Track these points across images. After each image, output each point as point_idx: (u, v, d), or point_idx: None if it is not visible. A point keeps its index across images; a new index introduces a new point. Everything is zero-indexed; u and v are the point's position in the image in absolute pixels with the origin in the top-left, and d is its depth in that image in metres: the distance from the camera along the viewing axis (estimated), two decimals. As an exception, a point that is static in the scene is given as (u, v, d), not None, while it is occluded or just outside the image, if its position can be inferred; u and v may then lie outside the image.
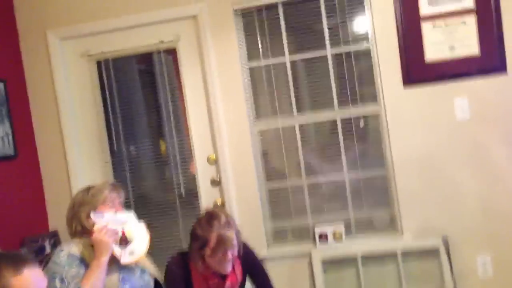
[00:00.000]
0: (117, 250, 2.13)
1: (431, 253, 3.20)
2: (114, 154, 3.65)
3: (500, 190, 3.15)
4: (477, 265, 3.18)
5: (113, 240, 2.10)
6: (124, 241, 2.17)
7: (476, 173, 3.17)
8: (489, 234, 3.17)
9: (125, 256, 2.15)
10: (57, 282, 2.00)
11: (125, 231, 2.17)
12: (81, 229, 2.15)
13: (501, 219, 3.15)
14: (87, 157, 3.63)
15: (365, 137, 3.41)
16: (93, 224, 2.10)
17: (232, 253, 2.28)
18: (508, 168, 3.14)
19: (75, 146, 3.58)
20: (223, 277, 2.35)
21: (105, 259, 2.07)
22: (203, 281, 2.34)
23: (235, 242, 2.30)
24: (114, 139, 3.62)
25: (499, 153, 3.14)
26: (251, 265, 2.52)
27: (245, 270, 2.50)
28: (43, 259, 2.93)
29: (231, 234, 2.28)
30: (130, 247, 2.17)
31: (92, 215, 2.13)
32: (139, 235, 2.21)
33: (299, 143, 3.43)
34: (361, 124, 3.38)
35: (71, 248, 2.10)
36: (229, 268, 2.31)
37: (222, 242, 2.25)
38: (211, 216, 2.33)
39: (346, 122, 3.37)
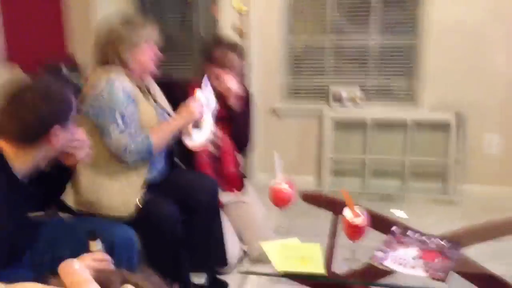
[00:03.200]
0: (189, 128, 2.10)
1: (442, 126, 3.22)
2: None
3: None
4: (484, 142, 3.22)
5: (198, 117, 2.08)
6: (196, 124, 2.12)
7: (510, 52, 3.05)
8: (502, 114, 3.16)
9: (189, 138, 2.12)
10: (118, 118, 1.89)
11: (203, 116, 2.13)
12: (118, 62, 1.97)
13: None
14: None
15: (401, 1, 3.21)
16: (136, 60, 1.98)
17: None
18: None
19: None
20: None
21: (182, 125, 2.04)
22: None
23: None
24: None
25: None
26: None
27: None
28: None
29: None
30: (196, 133, 2.13)
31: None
32: (207, 128, 2.17)
33: (329, -2, 3.27)
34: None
35: (123, 83, 1.93)
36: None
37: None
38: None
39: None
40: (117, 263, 1.50)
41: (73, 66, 3.45)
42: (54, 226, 1.77)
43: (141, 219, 1.91)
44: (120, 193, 1.95)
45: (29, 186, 1.56)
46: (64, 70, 3.27)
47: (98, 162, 1.94)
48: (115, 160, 1.94)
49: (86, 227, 1.71)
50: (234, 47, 2.35)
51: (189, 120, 2.06)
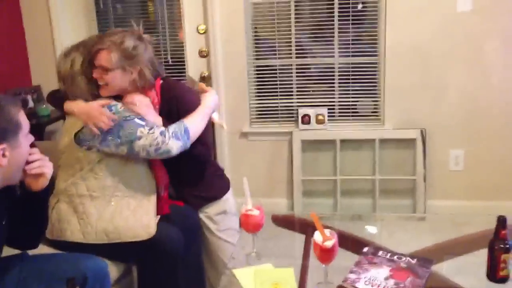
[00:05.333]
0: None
1: (407, 144, 3.29)
2: (100, 12, 3.50)
3: (484, 87, 3.16)
4: (450, 158, 3.30)
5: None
6: None
7: (464, 68, 3.16)
8: (465, 130, 3.25)
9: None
10: (139, 120, 1.90)
11: None
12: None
13: (479, 116, 3.21)
14: (71, 13, 3.48)
15: (361, 22, 3.30)
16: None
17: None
18: (496, 66, 3.12)
19: (59, 1, 3.40)
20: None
21: (211, 109, 2.07)
22: None
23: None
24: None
25: (492, 50, 3.10)
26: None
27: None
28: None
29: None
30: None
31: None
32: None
33: (293, 21, 3.32)
34: (359, 6, 3.26)
35: (113, 101, 1.96)
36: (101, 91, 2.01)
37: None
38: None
39: (344, 2, 3.24)
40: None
41: (39, 97, 3.41)
42: (24, 264, 1.71)
43: (150, 242, 1.91)
44: (136, 218, 1.94)
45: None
46: (30, 101, 3.23)
47: (105, 191, 1.94)
48: (136, 173, 1.98)
49: (57, 266, 1.69)
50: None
51: (215, 104, 2.10)
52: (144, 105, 1.99)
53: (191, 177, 2.21)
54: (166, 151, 1.89)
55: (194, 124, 1.97)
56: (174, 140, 1.89)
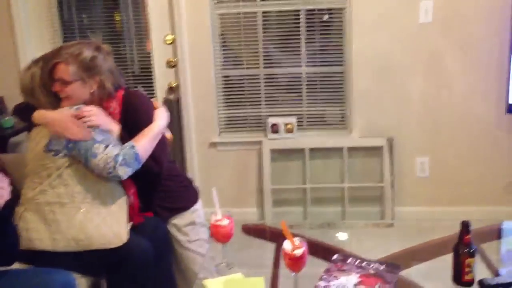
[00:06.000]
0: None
1: (375, 152, 3.35)
2: (64, 22, 3.44)
3: (446, 97, 3.25)
4: (416, 165, 3.37)
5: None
6: None
7: (427, 78, 3.24)
8: (430, 138, 3.33)
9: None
10: (98, 136, 1.89)
11: None
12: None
13: (442, 124, 3.29)
14: (34, 24, 3.41)
15: (327, 32, 3.36)
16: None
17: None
18: (457, 76, 3.22)
19: (22, 11, 3.33)
20: None
21: (161, 126, 2.06)
22: None
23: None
24: (65, 6, 3.41)
25: (452, 60, 3.20)
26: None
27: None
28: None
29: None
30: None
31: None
32: None
33: (260, 31, 3.35)
34: (325, 17, 3.31)
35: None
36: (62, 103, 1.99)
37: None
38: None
39: (310, 13, 3.29)
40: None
41: (2, 109, 3.32)
42: None
43: (118, 252, 1.89)
44: (107, 226, 1.91)
45: None
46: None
47: (74, 198, 1.91)
48: (105, 179, 1.93)
49: (26, 281, 1.66)
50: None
51: (165, 121, 2.10)
52: (95, 116, 1.96)
53: (155, 189, 2.20)
54: (117, 176, 1.90)
55: (143, 146, 1.96)
56: (124, 167, 1.89)
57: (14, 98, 2.21)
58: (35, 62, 2.04)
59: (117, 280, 1.94)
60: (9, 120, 3.24)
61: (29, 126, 2.04)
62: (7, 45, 3.37)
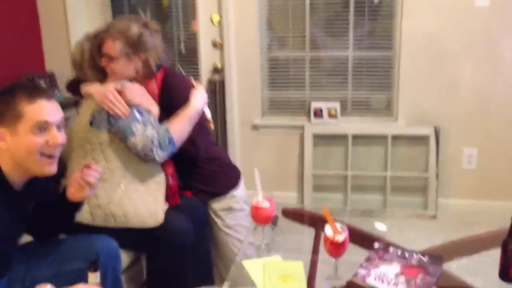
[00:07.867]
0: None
1: (420, 141, 3.26)
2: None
3: (498, 84, 3.11)
4: (463, 156, 3.26)
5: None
6: None
7: (480, 65, 3.11)
8: (479, 128, 3.20)
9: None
10: (137, 114, 1.90)
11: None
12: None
13: (493, 114, 3.16)
14: (85, 1, 3.49)
15: (376, 15, 3.26)
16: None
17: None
18: (511, 63, 3.07)
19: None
20: None
21: (198, 108, 2.04)
22: None
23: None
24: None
25: (507, 47, 3.05)
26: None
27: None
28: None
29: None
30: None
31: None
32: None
33: (307, 13, 3.29)
34: (376, 0, 3.22)
35: None
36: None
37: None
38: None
39: (360, -4, 3.21)
40: (103, 274, 1.49)
41: (52, 83, 3.42)
42: (35, 246, 1.73)
43: (157, 230, 1.91)
44: (144, 204, 1.93)
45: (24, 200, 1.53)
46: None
47: (115, 173, 1.93)
48: (143, 160, 1.94)
49: (69, 246, 1.71)
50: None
51: (202, 102, 2.07)
52: (137, 94, 1.97)
53: (193, 171, 2.20)
54: (153, 158, 1.91)
55: (179, 129, 1.96)
56: (160, 151, 1.90)
57: (65, 74, 2.26)
58: (87, 37, 2.07)
59: (156, 257, 1.96)
60: (60, 97, 3.33)
61: (78, 101, 2.08)
62: (59, 24, 3.45)
